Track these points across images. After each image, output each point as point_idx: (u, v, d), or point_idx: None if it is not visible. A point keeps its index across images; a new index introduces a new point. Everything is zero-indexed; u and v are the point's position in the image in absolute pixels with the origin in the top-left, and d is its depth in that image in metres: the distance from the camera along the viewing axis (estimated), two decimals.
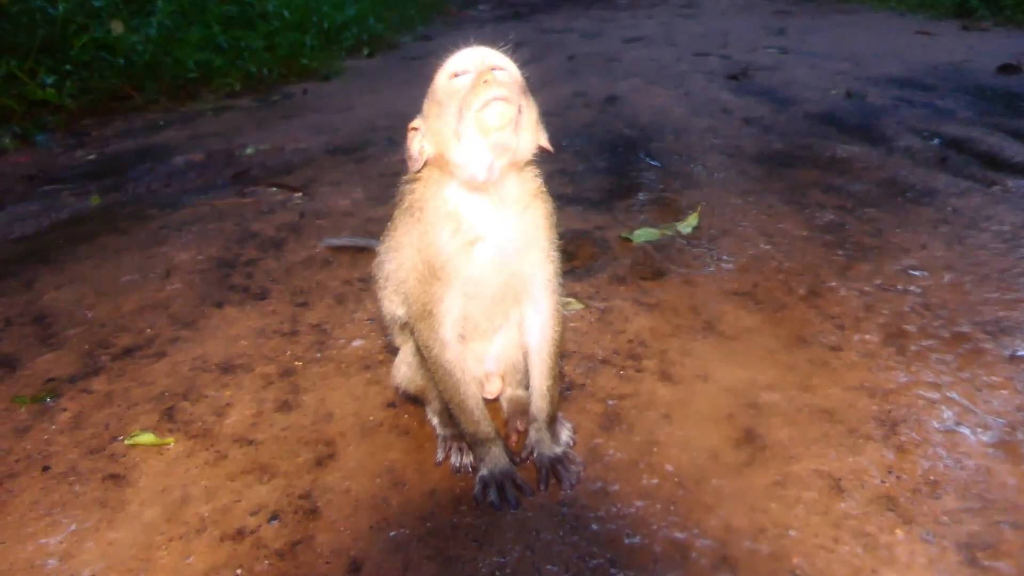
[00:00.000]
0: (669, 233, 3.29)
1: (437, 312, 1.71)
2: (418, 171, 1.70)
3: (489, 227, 1.67)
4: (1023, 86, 5.70)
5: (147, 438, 2.09)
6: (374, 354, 2.47)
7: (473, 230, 1.66)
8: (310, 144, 5.21)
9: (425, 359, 1.79)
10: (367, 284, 2.97)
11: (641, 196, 3.79)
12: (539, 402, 1.88)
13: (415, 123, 1.69)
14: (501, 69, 1.60)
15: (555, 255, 1.78)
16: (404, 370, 1.98)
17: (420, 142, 1.66)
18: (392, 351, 2.41)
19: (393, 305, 1.88)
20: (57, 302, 2.98)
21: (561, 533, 1.65)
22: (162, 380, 2.40)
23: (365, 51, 9.12)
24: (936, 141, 4.49)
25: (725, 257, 3.02)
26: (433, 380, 1.84)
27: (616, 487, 1.78)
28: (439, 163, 1.66)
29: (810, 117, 5.24)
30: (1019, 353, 2.23)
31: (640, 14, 12.12)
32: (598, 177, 4.13)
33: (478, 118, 1.55)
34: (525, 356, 1.93)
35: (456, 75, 1.60)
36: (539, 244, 1.75)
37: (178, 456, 2.03)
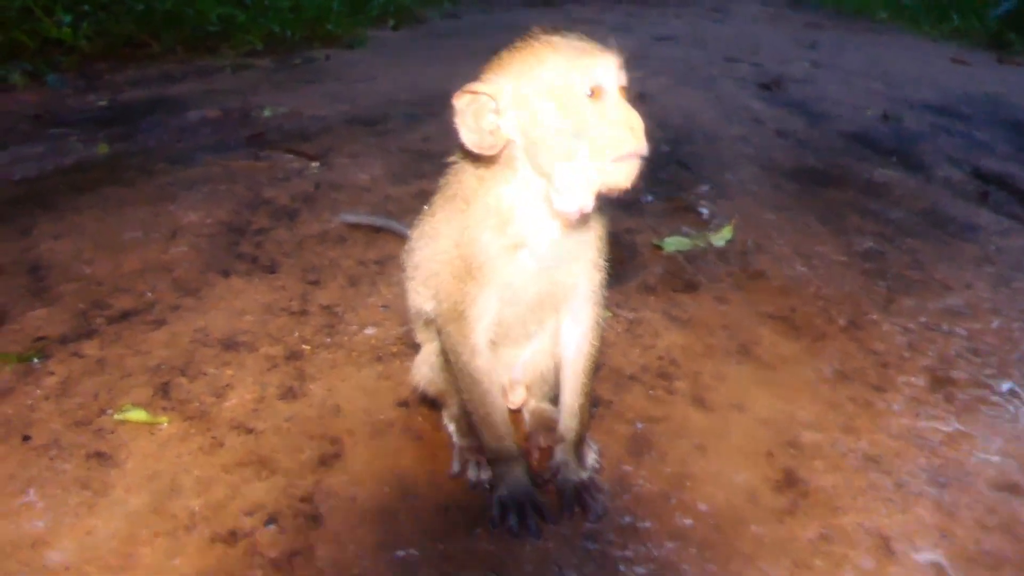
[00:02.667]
0: (701, 244, 3.14)
1: (469, 314, 1.55)
2: (489, 156, 1.43)
3: (539, 234, 1.50)
4: None
5: (138, 415, 1.94)
6: (387, 345, 2.31)
7: (521, 235, 1.49)
8: (329, 112, 5.02)
9: (451, 363, 1.64)
10: (383, 267, 2.81)
11: (672, 202, 3.63)
12: (569, 421, 1.73)
13: (488, 87, 1.39)
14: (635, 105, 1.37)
15: (602, 266, 1.62)
16: (425, 371, 1.82)
17: (497, 119, 1.40)
18: (407, 344, 2.26)
19: (420, 298, 1.72)
20: (54, 253, 2.81)
21: (586, 572, 1.51)
22: (159, 351, 2.24)
23: (391, 23, 8.89)
24: (975, 174, 4.34)
25: (760, 276, 2.87)
26: (457, 387, 1.68)
27: (647, 524, 1.64)
28: (507, 156, 1.45)
29: (844, 135, 5.07)
30: None
31: (669, 13, 11.90)
32: None
33: (607, 168, 1.34)
34: (557, 368, 1.78)
35: (593, 92, 1.34)
36: (588, 256, 1.59)
37: (170, 438, 1.87)
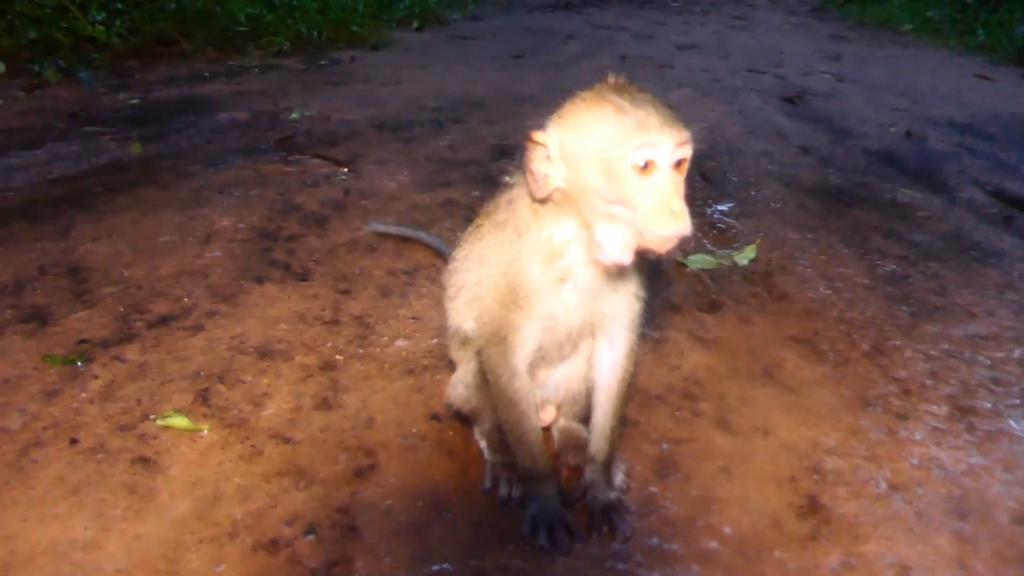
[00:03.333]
0: (725, 262, 3.17)
1: (512, 340, 1.60)
2: (539, 199, 1.49)
3: (585, 270, 1.55)
4: None
5: (180, 421, 2.00)
6: (418, 358, 2.37)
7: (568, 270, 1.54)
8: (356, 116, 5.08)
9: (490, 384, 1.69)
10: (412, 277, 2.87)
11: (695, 218, 3.66)
12: (600, 442, 1.78)
13: (543, 136, 1.43)
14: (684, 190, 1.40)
15: (642, 297, 1.67)
16: (460, 389, 1.88)
17: (547, 168, 1.44)
18: (437, 357, 2.32)
19: (461, 318, 1.77)
20: (93, 255, 2.89)
21: None
22: (198, 357, 2.31)
23: (415, 24, 8.96)
24: (999, 197, 4.34)
25: (784, 298, 2.91)
26: (493, 406, 1.74)
27: (674, 546, 1.68)
28: (562, 199, 1.49)
29: (869, 153, 5.08)
30: None
31: (692, 20, 11.90)
32: None
33: (650, 238, 1.37)
34: (589, 391, 1.83)
35: (644, 165, 1.34)
36: (629, 288, 1.64)
37: (212, 446, 1.94)
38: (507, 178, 1.66)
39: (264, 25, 6.90)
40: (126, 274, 2.77)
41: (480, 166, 4.23)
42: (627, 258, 1.46)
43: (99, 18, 5.71)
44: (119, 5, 5.91)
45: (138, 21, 6.06)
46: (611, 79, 1.46)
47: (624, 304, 1.66)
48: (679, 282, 2.99)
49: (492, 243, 1.63)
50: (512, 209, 1.59)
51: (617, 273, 1.60)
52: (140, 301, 2.60)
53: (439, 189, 3.82)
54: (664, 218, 1.35)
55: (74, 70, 5.36)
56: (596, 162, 1.38)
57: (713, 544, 1.70)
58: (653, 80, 7.09)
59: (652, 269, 3.03)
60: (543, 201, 1.50)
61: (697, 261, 3.16)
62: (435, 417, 2.10)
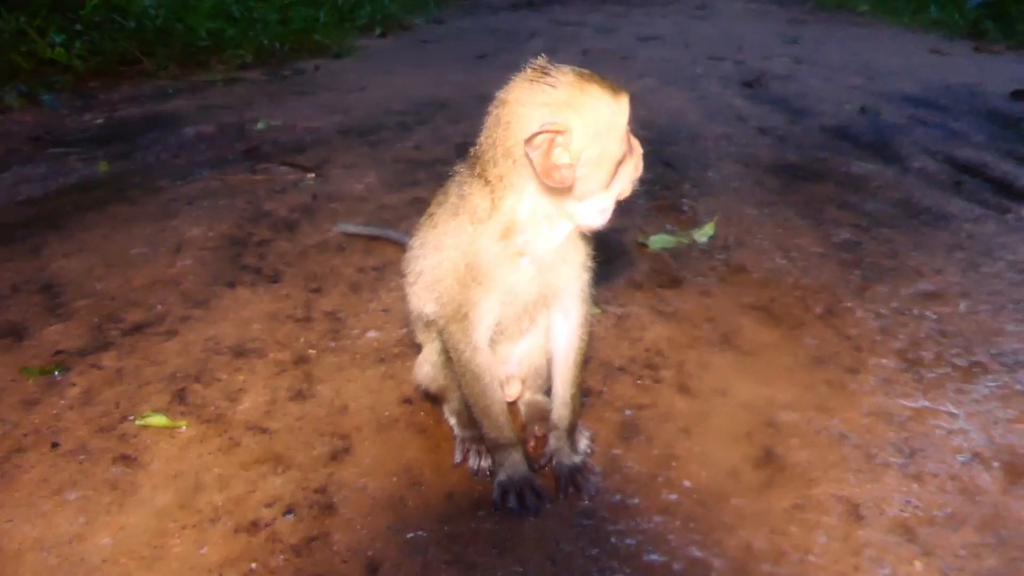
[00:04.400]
0: (685, 241, 3.28)
1: (473, 316, 1.68)
2: (559, 190, 1.55)
3: (541, 243, 1.64)
4: None
5: (158, 420, 2.07)
6: (389, 347, 2.45)
7: (526, 244, 1.63)
8: (322, 123, 5.15)
9: (453, 361, 1.77)
10: (382, 273, 2.94)
11: (657, 200, 3.77)
12: (561, 410, 1.86)
13: (559, 123, 1.47)
14: None
15: (590, 267, 1.77)
16: (427, 369, 1.96)
17: (565, 155, 1.49)
18: (408, 345, 2.40)
19: (421, 302, 1.84)
20: (65, 271, 2.94)
21: (581, 545, 1.64)
22: (173, 360, 2.37)
23: (378, 31, 9.03)
24: (950, 164, 4.49)
25: (742, 269, 3.01)
26: (458, 382, 1.82)
27: (636, 500, 1.77)
28: (516, 176, 1.58)
29: (825, 130, 5.23)
30: None
31: (654, 12, 12.06)
32: None
33: (627, 188, 1.63)
34: (549, 362, 1.92)
35: (629, 140, 1.59)
36: (578, 259, 1.74)
37: (190, 440, 2.00)
38: (455, 167, 1.74)
39: (226, 39, 6.94)
40: (99, 287, 2.82)
41: (447, 164, 4.22)
42: (606, 220, 1.63)
43: (58, 40, 5.73)
44: (78, 27, 5.93)
45: (98, 42, 6.08)
46: (541, 62, 1.55)
47: (574, 275, 1.76)
48: (641, 261, 3.09)
49: (447, 229, 1.70)
50: (463, 195, 1.66)
51: (569, 245, 1.69)
52: (114, 311, 2.65)
53: (407, 188, 3.90)
54: (640, 161, 1.64)
55: (36, 94, 5.37)
56: (612, 135, 1.54)
57: (673, 496, 1.79)
58: (615, 72, 7.14)
59: (615, 250, 3.13)
60: (498, 180, 1.58)
61: (658, 241, 3.26)
62: (407, 401, 2.17)
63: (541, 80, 1.51)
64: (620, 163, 1.58)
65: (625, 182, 1.63)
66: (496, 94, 1.59)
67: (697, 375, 2.30)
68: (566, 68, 1.54)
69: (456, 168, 1.74)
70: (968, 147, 4.78)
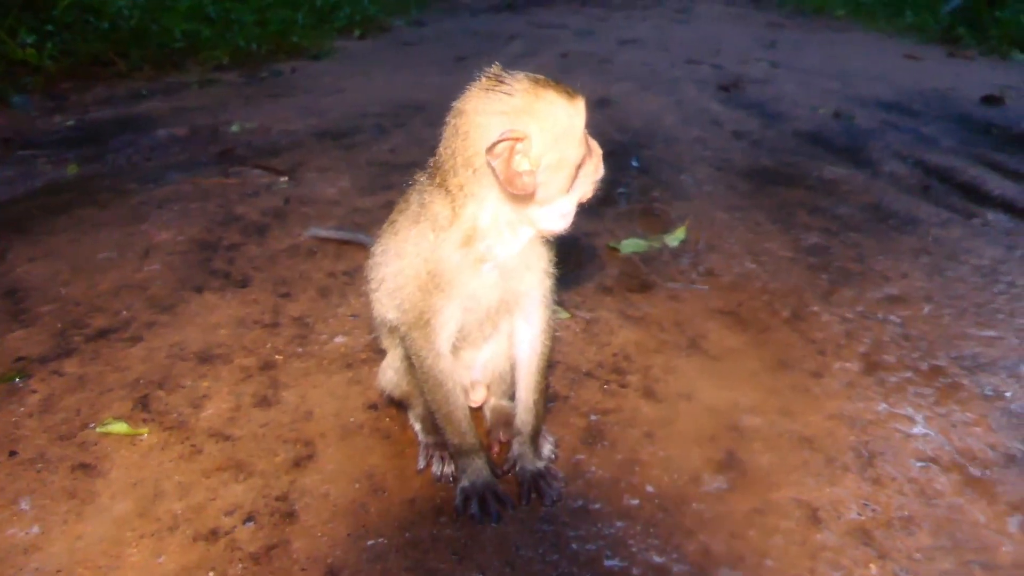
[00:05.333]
0: (656, 245, 3.30)
1: (435, 323, 1.68)
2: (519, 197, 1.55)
3: (503, 249, 1.65)
4: (1005, 118, 5.79)
5: (120, 427, 2.04)
6: (356, 352, 2.44)
7: (488, 250, 1.64)
8: (297, 126, 5.13)
9: (415, 367, 1.77)
10: (352, 278, 2.93)
11: (630, 205, 3.79)
12: (524, 415, 1.87)
13: (519, 131, 1.47)
14: None
15: (551, 273, 1.77)
16: (390, 375, 1.95)
17: (525, 161, 1.49)
18: (375, 351, 2.39)
19: (384, 309, 1.84)
20: (30, 276, 2.90)
21: (541, 551, 1.65)
22: (137, 366, 2.35)
23: (357, 32, 9.01)
24: (919, 168, 4.55)
25: (711, 273, 3.04)
26: (421, 388, 1.82)
27: (597, 506, 1.78)
28: (478, 183, 1.58)
29: (799, 135, 5.28)
30: (994, 392, 2.27)
31: (635, 15, 12.14)
32: None
33: (588, 190, 1.63)
34: (513, 368, 1.92)
35: (587, 142, 1.60)
36: (540, 265, 1.74)
37: (151, 448, 1.98)
38: (415, 176, 1.75)
39: (202, 40, 6.89)
40: (64, 292, 2.78)
41: (422, 168, 4.29)
42: (568, 223, 1.64)
43: (30, 41, 5.65)
44: (50, 27, 5.86)
45: (71, 42, 6.02)
46: (495, 70, 1.56)
47: (536, 281, 1.76)
48: (611, 266, 3.10)
49: (409, 236, 1.69)
50: (423, 203, 1.65)
51: (531, 251, 1.70)
52: (78, 317, 2.62)
53: (380, 192, 3.89)
54: (600, 163, 1.64)
55: (6, 95, 5.30)
56: (570, 139, 1.55)
57: (635, 501, 1.80)
58: (594, 75, 7.24)
59: (586, 255, 3.14)
60: (458, 188, 1.58)
61: (629, 245, 3.28)
62: (372, 406, 2.17)
63: (497, 88, 1.51)
64: (580, 166, 1.60)
65: (586, 185, 1.64)
66: (453, 104, 1.59)
67: (663, 379, 2.31)
68: (520, 75, 1.54)
69: (416, 177, 1.74)
70: (938, 152, 4.85)
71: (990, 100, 6.34)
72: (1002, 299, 2.86)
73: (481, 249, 1.64)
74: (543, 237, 1.71)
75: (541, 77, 1.56)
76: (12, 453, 1.95)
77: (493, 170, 1.50)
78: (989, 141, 5.16)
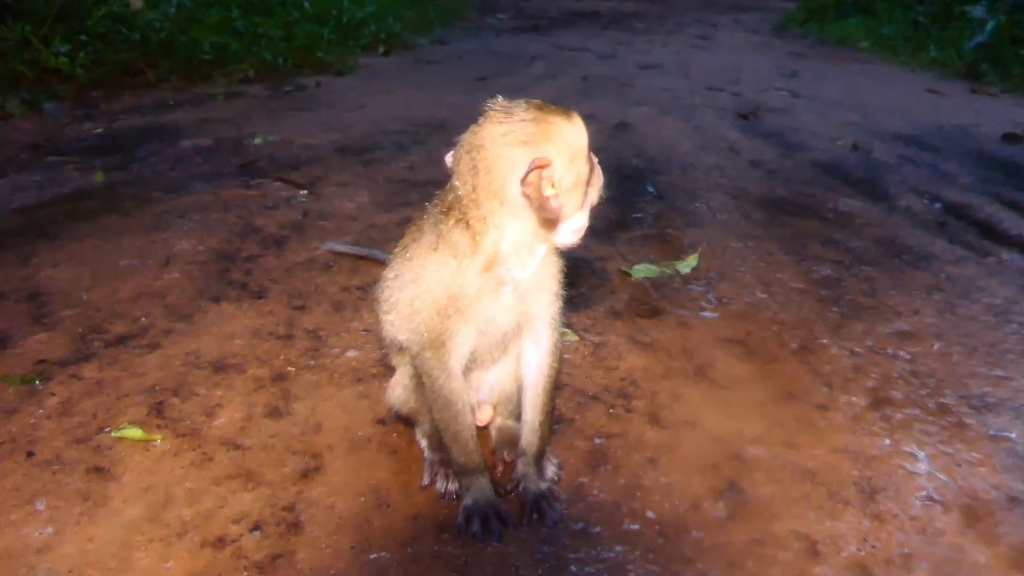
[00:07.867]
0: (668, 271, 3.32)
1: (450, 344, 1.72)
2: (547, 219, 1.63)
3: (522, 270, 1.70)
4: None
5: (134, 432, 2.09)
6: (367, 367, 2.48)
7: (508, 273, 1.68)
8: (319, 140, 5.22)
9: (426, 386, 1.80)
10: (366, 293, 2.98)
11: (644, 230, 3.82)
12: (530, 436, 1.89)
13: (543, 158, 1.53)
14: None
15: (561, 296, 1.81)
16: (399, 392, 1.99)
17: (548, 186, 1.56)
18: (385, 366, 2.42)
19: (395, 331, 1.86)
20: (54, 281, 2.97)
21: (540, 572, 1.67)
22: (154, 373, 2.40)
23: (381, 49, 9.14)
24: (936, 205, 4.55)
25: (721, 302, 3.06)
26: (430, 407, 1.85)
27: (598, 529, 1.80)
28: (500, 208, 1.63)
29: (816, 165, 5.30)
30: (1000, 432, 2.27)
31: (656, 40, 12.22)
32: (603, 206, 4.11)
33: (598, 193, 1.72)
34: (519, 389, 1.95)
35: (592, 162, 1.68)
36: (551, 287, 1.79)
37: (164, 454, 2.03)
38: (430, 203, 1.79)
39: (229, 53, 7.03)
40: (85, 297, 2.85)
41: (439, 186, 4.31)
42: (581, 237, 1.72)
43: (63, 50, 5.80)
44: (83, 37, 6.01)
45: (102, 52, 6.16)
46: (501, 101, 1.61)
47: (547, 303, 1.80)
48: (622, 290, 3.13)
49: (426, 263, 1.71)
50: (442, 233, 1.67)
51: (545, 265, 1.75)
52: (98, 322, 2.68)
53: (397, 209, 3.95)
54: (602, 179, 1.76)
55: (38, 102, 5.44)
56: (584, 162, 1.63)
57: (635, 526, 1.82)
58: (613, 99, 7.31)
59: (597, 278, 3.18)
60: (465, 211, 1.62)
61: (641, 270, 3.30)
62: (381, 421, 2.20)
63: (509, 120, 1.56)
64: (588, 181, 1.67)
65: (594, 197, 1.72)
66: (461, 139, 1.63)
67: (669, 406, 2.33)
68: (522, 103, 1.60)
69: (428, 209, 1.78)
70: (955, 188, 4.84)
71: (1011, 138, 6.32)
72: (1013, 339, 2.85)
73: (501, 272, 1.69)
74: (555, 252, 1.78)
75: (539, 102, 1.62)
76: (30, 454, 2.00)
77: (528, 199, 1.56)
78: (1008, 179, 5.15)
